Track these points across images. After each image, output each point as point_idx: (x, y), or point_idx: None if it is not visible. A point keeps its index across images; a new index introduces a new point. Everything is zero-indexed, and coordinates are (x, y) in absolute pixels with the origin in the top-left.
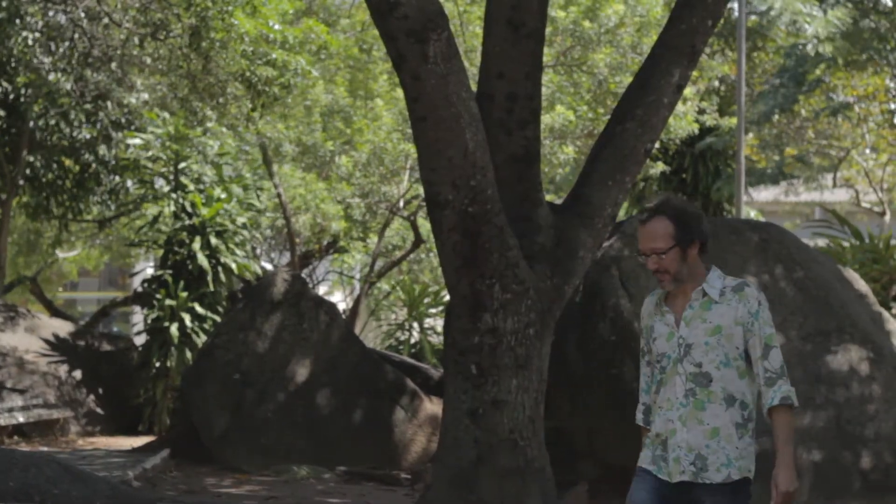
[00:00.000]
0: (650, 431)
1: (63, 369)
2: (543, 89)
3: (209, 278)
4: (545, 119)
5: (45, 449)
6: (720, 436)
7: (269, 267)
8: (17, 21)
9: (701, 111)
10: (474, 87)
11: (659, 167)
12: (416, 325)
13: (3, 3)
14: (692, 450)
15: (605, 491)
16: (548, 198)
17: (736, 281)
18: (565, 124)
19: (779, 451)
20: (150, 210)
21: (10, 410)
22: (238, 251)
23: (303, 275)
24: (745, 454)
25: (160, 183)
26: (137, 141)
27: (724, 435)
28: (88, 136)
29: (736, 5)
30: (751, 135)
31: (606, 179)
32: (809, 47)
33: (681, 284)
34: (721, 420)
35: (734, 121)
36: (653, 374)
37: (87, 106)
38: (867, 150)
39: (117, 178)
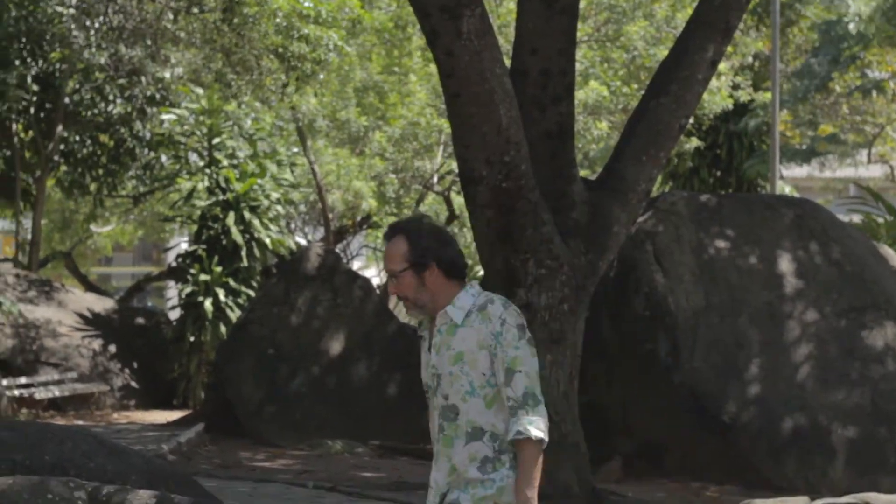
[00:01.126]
0: None
1: (98, 344)
2: (577, 65)
3: (243, 253)
4: (579, 95)
5: (80, 423)
6: (457, 473)
7: (302, 242)
8: None
9: (735, 87)
10: (508, 63)
11: (693, 143)
12: None
13: None
14: (439, 490)
15: (639, 466)
16: (582, 173)
17: (485, 298)
18: (599, 100)
19: (515, 489)
20: (185, 185)
21: (46, 384)
22: (272, 226)
23: (336, 250)
24: (498, 486)
25: (194, 158)
26: (172, 116)
27: (462, 472)
28: (123, 112)
29: None
30: (785, 111)
31: (640, 155)
32: (851, 26)
33: (423, 311)
34: (459, 457)
35: (768, 96)
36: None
37: (122, 81)
38: None
39: (152, 154)
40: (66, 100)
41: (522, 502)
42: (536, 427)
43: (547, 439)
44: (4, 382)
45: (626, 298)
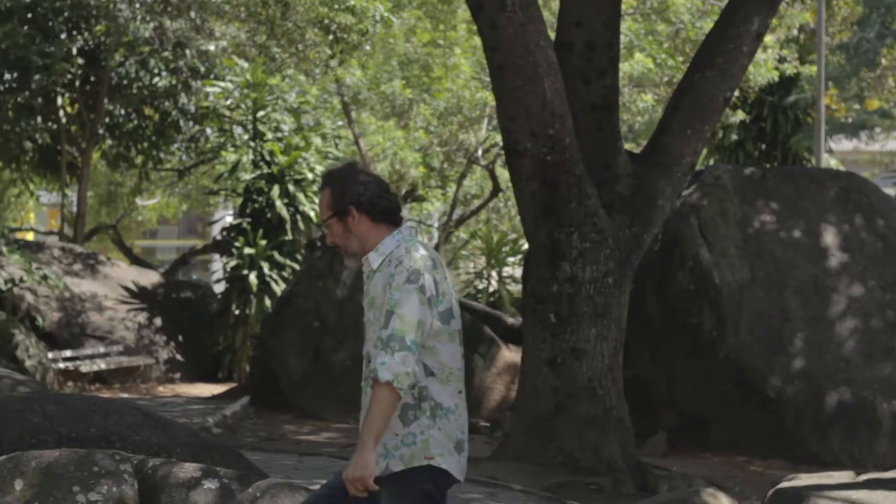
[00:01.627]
0: None
1: (143, 317)
2: (622, 37)
3: (287, 226)
4: (624, 67)
5: (126, 396)
6: None
7: None
8: None
9: (781, 60)
10: (553, 36)
11: (738, 116)
12: (494, 273)
13: None
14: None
15: (683, 440)
16: (626, 147)
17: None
18: (644, 72)
19: (360, 432)
20: (229, 158)
21: (91, 358)
22: (316, 199)
23: None
24: (415, 440)
25: (239, 131)
26: (216, 89)
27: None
28: (167, 85)
29: None
30: (830, 83)
31: (685, 128)
32: None
33: (354, 257)
34: None
35: (814, 69)
36: None
37: (166, 54)
38: None
39: (196, 127)
40: (111, 73)
41: (359, 445)
42: (387, 370)
43: (400, 385)
44: (50, 355)
45: (670, 272)
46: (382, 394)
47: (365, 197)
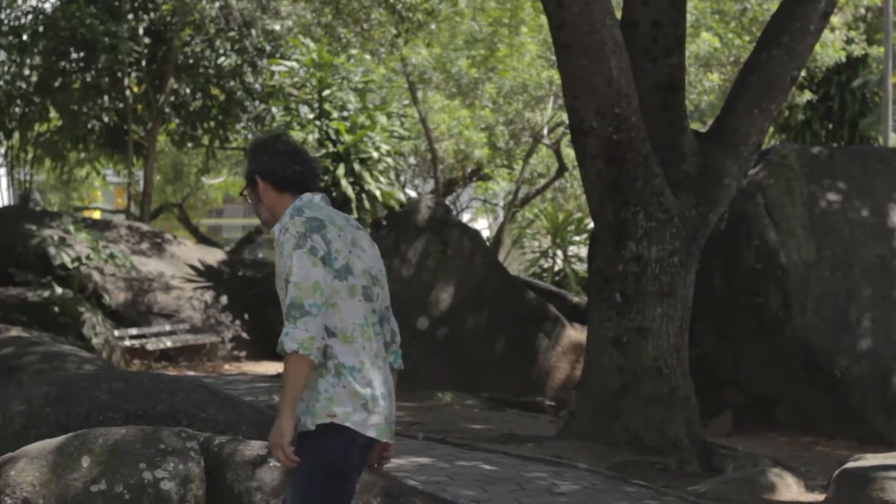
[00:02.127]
0: None
1: (209, 295)
2: (688, 16)
3: (353, 205)
4: (690, 47)
5: (192, 374)
6: None
7: (412, 194)
8: None
9: (849, 41)
10: (619, 15)
11: (805, 95)
12: (559, 252)
13: None
14: None
15: (749, 419)
16: (692, 126)
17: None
18: (711, 52)
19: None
20: (295, 137)
21: (158, 335)
22: (382, 178)
23: (446, 202)
24: (319, 398)
25: (304, 110)
26: (282, 68)
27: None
28: (234, 64)
29: None
30: None
31: (752, 107)
32: None
33: (268, 227)
34: None
35: (882, 50)
36: None
37: (233, 33)
38: None
39: (262, 106)
40: (178, 53)
41: (277, 414)
42: (291, 339)
43: (306, 350)
44: (117, 333)
45: (736, 251)
46: (291, 363)
47: (268, 166)
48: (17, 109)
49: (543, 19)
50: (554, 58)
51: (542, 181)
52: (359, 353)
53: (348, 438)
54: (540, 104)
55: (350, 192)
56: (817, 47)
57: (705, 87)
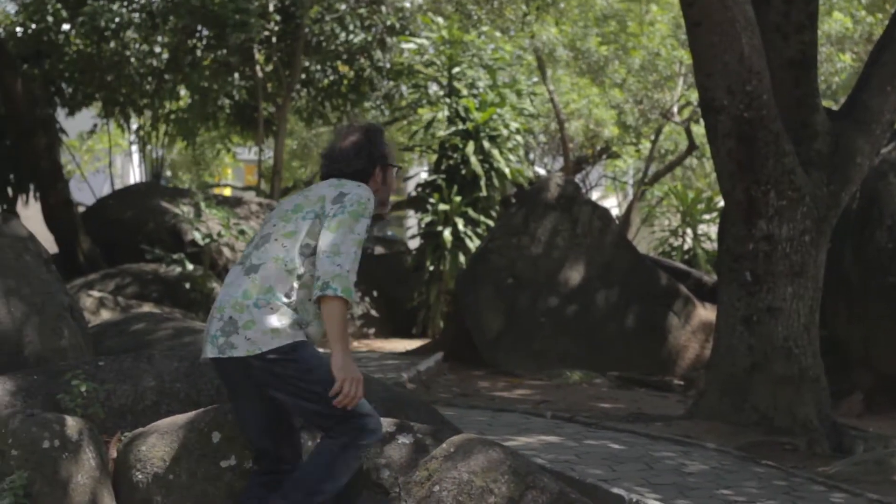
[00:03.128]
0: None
1: None
2: None
3: (482, 183)
4: (822, 27)
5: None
6: None
7: (542, 172)
8: None
9: None
10: None
11: None
12: (689, 231)
13: None
14: None
15: (880, 401)
16: (824, 104)
17: None
18: (843, 31)
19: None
20: (424, 115)
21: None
22: (511, 156)
23: (576, 180)
24: None
25: (434, 88)
26: (412, 45)
27: None
28: (363, 41)
29: None
30: None
31: (885, 85)
32: None
33: (387, 207)
34: None
35: None
36: None
37: (362, 10)
38: None
39: (391, 83)
40: (307, 30)
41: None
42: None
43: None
44: None
45: (868, 231)
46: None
47: (388, 151)
48: (148, 87)
49: None
50: (684, 36)
51: (672, 159)
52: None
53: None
54: (669, 82)
55: (479, 169)
56: None
57: (837, 66)
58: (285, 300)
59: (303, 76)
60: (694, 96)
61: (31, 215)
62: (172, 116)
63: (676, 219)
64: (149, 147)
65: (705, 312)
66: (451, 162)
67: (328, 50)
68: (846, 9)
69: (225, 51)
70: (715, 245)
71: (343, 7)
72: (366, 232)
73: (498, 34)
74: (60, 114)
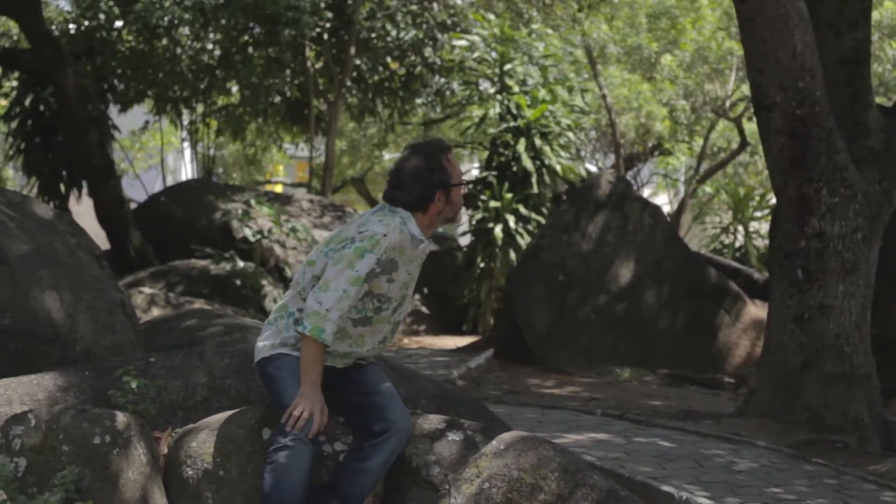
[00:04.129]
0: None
1: None
2: None
3: (533, 180)
4: (873, 15)
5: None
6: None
7: (593, 169)
8: None
9: None
10: None
11: None
12: (740, 228)
13: None
14: None
15: None
16: (876, 100)
17: None
18: (894, 19)
19: None
20: (476, 112)
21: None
22: (562, 153)
23: (627, 177)
24: None
25: (485, 85)
26: (463, 42)
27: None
28: (414, 38)
29: None
30: None
31: None
32: None
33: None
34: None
35: None
36: (364, 306)
37: (414, 7)
38: None
39: (443, 80)
40: (359, 27)
41: None
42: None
43: None
44: None
45: None
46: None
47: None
48: (200, 84)
49: None
50: (734, 28)
51: (724, 156)
52: None
53: None
54: (720, 76)
55: (530, 166)
56: None
57: (888, 56)
58: (293, 318)
59: (354, 73)
60: (746, 90)
61: (83, 212)
62: (223, 112)
63: (728, 216)
64: (200, 144)
65: (756, 310)
66: (503, 159)
67: (379, 47)
68: None
69: (277, 47)
70: (766, 242)
71: (394, 3)
72: (375, 267)
73: (549, 31)
74: (113, 111)
